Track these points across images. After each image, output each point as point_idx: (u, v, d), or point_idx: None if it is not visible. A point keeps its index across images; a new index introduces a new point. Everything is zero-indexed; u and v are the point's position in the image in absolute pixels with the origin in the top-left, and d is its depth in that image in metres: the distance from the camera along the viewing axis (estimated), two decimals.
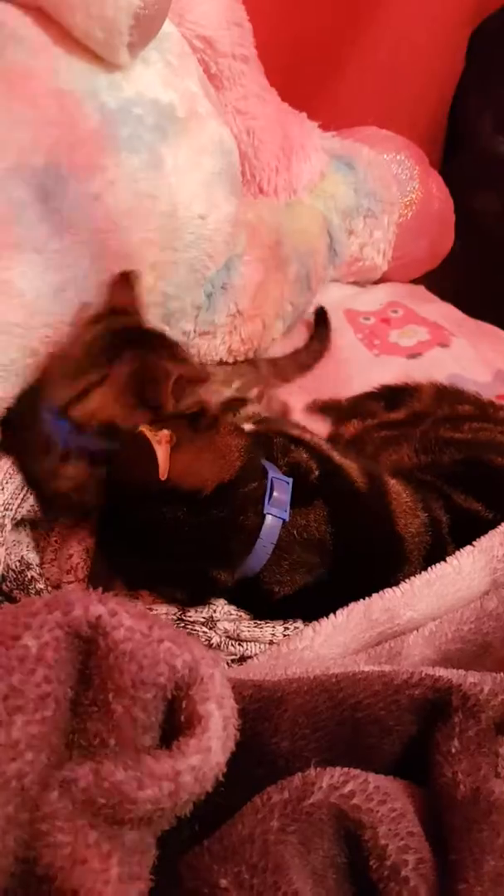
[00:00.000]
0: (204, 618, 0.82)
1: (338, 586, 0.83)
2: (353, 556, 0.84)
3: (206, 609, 0.82)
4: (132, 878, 0.49)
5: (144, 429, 0.77)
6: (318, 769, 0.58)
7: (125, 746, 0.54)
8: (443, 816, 0.57)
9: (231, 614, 0.83)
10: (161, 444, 0.75)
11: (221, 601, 0.84)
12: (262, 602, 0.83)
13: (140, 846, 0.52)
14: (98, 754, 0.53)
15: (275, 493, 0.80)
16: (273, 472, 0.82)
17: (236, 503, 0.79)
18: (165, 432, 0.77)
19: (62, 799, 0.50)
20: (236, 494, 0.79)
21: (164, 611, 0.82)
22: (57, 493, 0.89)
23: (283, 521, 0.80)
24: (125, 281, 0.97)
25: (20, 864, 0.48)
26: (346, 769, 0.58)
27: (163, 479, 0.74)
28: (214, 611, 0.82)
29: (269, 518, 0.79)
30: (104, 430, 0.84)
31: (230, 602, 0.85)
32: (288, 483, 0.82)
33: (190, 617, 0.82)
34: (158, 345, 0.92)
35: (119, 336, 0.90)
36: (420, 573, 0.82)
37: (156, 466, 0.74)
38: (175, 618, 0.82)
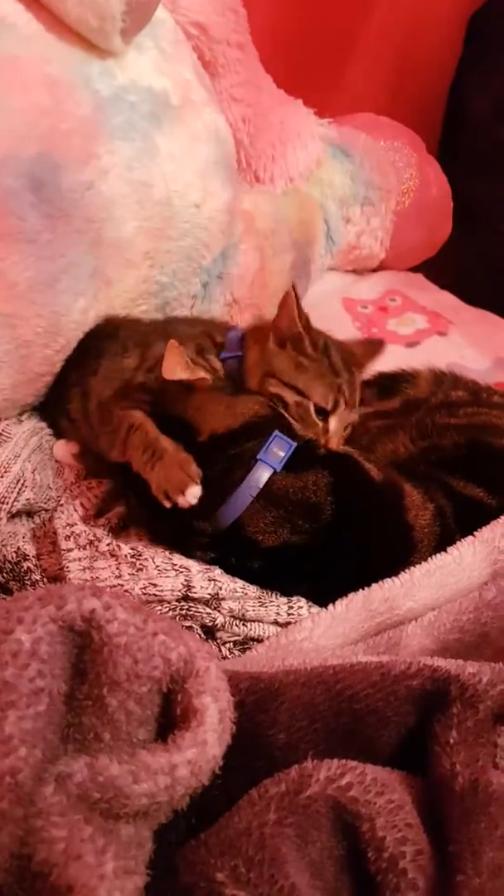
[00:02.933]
0: (209, 594, 0.81)
1: (343, 567, 0.84)
2: (359, 538, 0.85)
3: (211, 586, 0.82)
4: (128, 872, 0.49)
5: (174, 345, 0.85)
6: (316, 761, 0.58)
7: (120, 740, 0.53)
8: (441, 808, 0.56)
9: (236, 592, 0.82)
10: (193, 368, 0.85)
11: (227, 578, 0.83)
12: (250, 553, 0.84)
13: (136, 840, 0.51)
14: (93, 748, 0.53)
15: (272, 447, 0.83)
16: (278, 433, 0.85)
17: (221, 459, 0.83)
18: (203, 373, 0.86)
19: (57, 794, 0.49)
20: (223, 454, 0.83)
21: (170, 587, 0.81)
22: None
23: (275, 470, 0.82)
24: None
25: (15, 860, 0.48)
26: (343, 761, 0.58)
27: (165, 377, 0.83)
28: (220, 588, 0.82)
29: (259, 465, 0.82)
30: None
31: (219, 555, 0.85)
32: (290, 444, 0.84)
33: (195, 594, 0.81)
34: None
35: None
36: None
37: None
38: (181, 595, 0.81)
